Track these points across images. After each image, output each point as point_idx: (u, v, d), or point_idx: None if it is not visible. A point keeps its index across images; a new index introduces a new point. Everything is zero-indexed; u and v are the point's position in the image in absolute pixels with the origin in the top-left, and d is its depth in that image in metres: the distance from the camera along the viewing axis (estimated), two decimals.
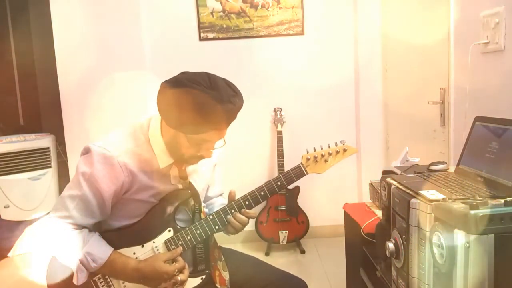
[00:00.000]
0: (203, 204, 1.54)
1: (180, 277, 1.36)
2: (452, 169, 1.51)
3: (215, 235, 1.53)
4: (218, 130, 1.31)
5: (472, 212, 0.95)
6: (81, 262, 1.30)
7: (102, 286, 1.38)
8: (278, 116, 3.18)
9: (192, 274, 1.42)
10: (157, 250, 1.40)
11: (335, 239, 3.05)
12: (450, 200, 1.07)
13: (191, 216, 1.45)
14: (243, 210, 1.44)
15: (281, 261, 3.02)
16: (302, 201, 3.15)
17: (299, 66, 3.24)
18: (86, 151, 1.34)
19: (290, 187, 2.98)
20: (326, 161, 1.48)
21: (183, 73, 1.31)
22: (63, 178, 3.36)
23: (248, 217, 1.45)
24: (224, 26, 3.18)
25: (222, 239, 1.68)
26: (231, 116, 1.30)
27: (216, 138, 1.34)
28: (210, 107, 1.24)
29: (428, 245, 1.11)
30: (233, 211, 1.43)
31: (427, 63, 2.31)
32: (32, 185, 3.28)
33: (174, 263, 1.37)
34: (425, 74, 2.38)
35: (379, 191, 1.58)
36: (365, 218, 1.76)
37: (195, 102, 1.23)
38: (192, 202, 1.45)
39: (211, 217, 1.43)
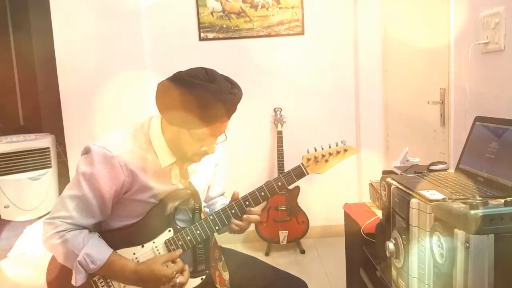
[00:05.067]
0: (203, 204, 1.54)
1: (179, 279, 1.35)
2: (452, 169, 1.51)
3: (216, 235, 1.53)
4: (220, 122, 1.32)
5: (472, 212, 0.95)
6: (80, 263, 1.30)
7: (102, 286, 1.38)
8: (278, 116, 3.18)
9: (192, 275, 1.42)
10: (157, 250, 1.39)
11: (335, 239, 3.06)
12: (450, 200, 1.07)
13: (191, 216, 1.45)
14: (248, 209, 1.44)
15: (281, 261, 3.02)
16: (302, 201, 3.15)
17: (299, 66, 3.24)
18: (86, 151, 1.34)
19: (290, 187, 2.98)
20: (326, 161, 1.48)
21: (178, 72, 1.32)
22: (63, 178, 3.37)
23: (253, 214, 1.46)
24: (224, 26, 3.18)
25: (222, 239, 1.68)
26: (232, 107, 1.31)
27: (219, 132, 1.35)
28: (211, 99, 1.25)
29: (428, 245, 1.11)
30: (233, 211, 1.43)
31: (427, 63, 2.31)
32: (32, 185, 3.29)
33: (173, 265, 1.36)
34: (425, 74, 2.38)
35: (379, 191, 1.58)
36: (365, 218, 1.76)
37: (196, 96, 1.24)
38: (192, 202, 1.45)
39: (211, 217, 1.43)
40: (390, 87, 3.11)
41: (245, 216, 1.45)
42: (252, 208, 1.45)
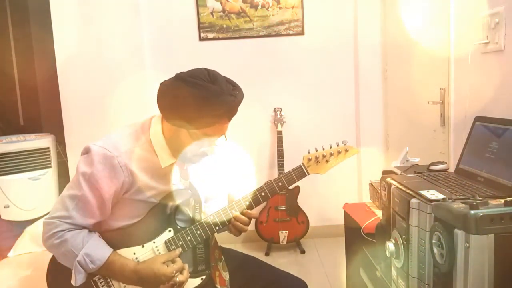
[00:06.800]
0: (203, 204, 1.54)
1: (179, 278, 1.35)
2: (452, 169, 1.51)
3: (216, 235, 1.53)
4: (220, 124, 1.32)
5: (472, 212, 0.95)
6: (79, 263, 1.30)
7: (102, 286, 1.38)
8: (278, 116, 3.18)
9: (192, 275, 1.42)
10: (157, 250, 1.39)
11: (335, 239, 3.05)
12: (450, 200, 1.07)
13: (191, 216, 1.45)
14: (244, 210, 1.44)
15: (281, 261, 3.02)
16: (302, 201, 3.15)
17: (299, 66, 3.24)
18: (87, 151, 1.34)
19: (290, 187, 2.98)
20: (327, 161, 1.48)
21: (180, 72, 1.32)
22: (63, 178, 3.36)
23: (250, 217, 1.45)
24: (224, 26, 3.18)
25: (222, 239, 1.68)
26: (233, 109, 1.30)
27: (219, 133, 1.35)
28: (212, 100, 1.25)
29: (428, 245, 1.11)
30: (233, 211, 1.43)
31: (427, 63, 2.31)
32: (32, 185, 3.28)
33: (172, 265, 1.36)
34: (425, 74, 2.38)
35: (379, 191, 1.58)
36: (365, 218, 1.76)
37: (197, 96, 1.24)
38: (192, 202, 1.45)
39: (211, 217, 1.43)
40: (390, 87, 3.11)
41: (245, 210, 1.44)
42: (249, 211, 1.45)
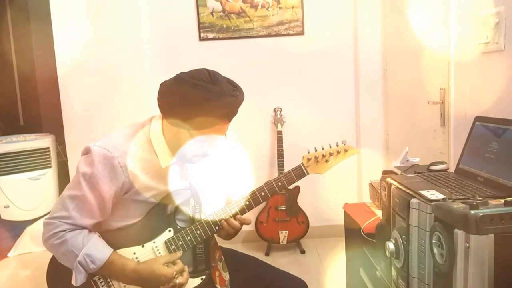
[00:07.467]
0: (203, 204, 1.54)
1: (179, 279, 1.35)
2: (452, 169, 1.51)
3: (216, 235, 1.53)
4: (220, 125, 1.32)
5: (472, 212, 0.95)
6: (80, 263, 1.30)
7: (102, 286, 1.38)
8: (278, 116, 3.18)
9: (192, 275, 1.42)
10: (157, 250, 1.40)
11: (335, 239, 3.05)
12: (450, 200, 1.07)
13: (191, 216, 1.45)
14: (238, 216, 1.44)
15: (281, 261, 3.02)
16: (302, 201, 3.15)
17: (299, 66, 3.24)
18: (87, 151, 1.34)
19: (290, 187, 2.98)
20: (327, 161, 1.48)
21: (181, 73, 1.32)
22: (63, 178, 3.37)
23: (242, 223, 1.45)
24: (224, 26, 3.18)
25: (222, 239, 1.67)
26: (233, 110, 1.31)
27: (219, 134, 1.35)
28: (213, 101, 1.25)
29: (428, 245, 1.11)
30: (233, 211, 1.43)
31: (427, 63, 2.31)
32: (32, 185, 3.29)
33: (173, 266, 1.36)
34: (425, 74, 2.38)
35: (379, 191, 1.58)
36: (365, 218, 1.76)
37: (198, 97, 1.25)
38: (192, 202, 1.45)
39: (211, 217, 1.43)
40: (390, 87, 3.11)
41: (238, 215, 1.44)
42: (243, 217, 1.45)
